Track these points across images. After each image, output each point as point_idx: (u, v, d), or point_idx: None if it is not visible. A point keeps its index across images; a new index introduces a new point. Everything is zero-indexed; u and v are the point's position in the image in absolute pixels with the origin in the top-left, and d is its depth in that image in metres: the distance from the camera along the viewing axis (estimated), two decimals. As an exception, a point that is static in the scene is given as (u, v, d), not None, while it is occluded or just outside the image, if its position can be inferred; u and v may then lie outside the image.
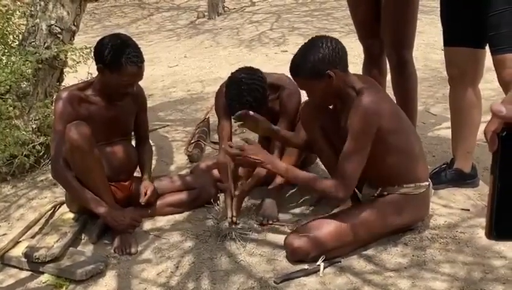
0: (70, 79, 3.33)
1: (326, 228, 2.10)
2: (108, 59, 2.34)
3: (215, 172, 2.71)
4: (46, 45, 3.24)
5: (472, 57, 2.45)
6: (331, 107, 2.21)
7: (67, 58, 3.33)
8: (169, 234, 2.46)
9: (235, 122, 2.48)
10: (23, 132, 3.07)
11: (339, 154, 2.08)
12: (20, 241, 2.43)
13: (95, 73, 2.50)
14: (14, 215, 2.80)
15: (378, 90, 2.18)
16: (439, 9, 2.55)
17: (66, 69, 3.44)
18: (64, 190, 2.56)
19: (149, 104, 3.04)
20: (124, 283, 2.15)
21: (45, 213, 2.67)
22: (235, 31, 7.82)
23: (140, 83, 2.52)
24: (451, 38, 2.50)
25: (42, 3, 3.26)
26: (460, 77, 2.51)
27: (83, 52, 3.34)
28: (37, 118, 3.22)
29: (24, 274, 2.29)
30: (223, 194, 2.59)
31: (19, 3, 4.25)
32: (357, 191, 2.39)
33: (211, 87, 4.76)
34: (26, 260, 2.27)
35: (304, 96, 2.30)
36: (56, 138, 2.41)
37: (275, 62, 5.52)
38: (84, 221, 2.55)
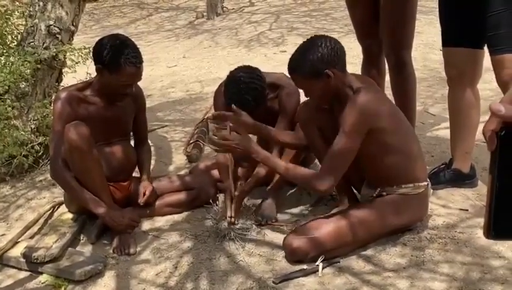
0: (69, 79, 3.33)
1: (325, 229, 2.10)
2: (107, 60, 2.34)
3: (215, 172, 2.71)
4: (44, 45, 3.24)
5: (471, 57, 2.45)
6: (326, 107, 2.20)
7: (66, 58, 3.33)
8: (168, 234, 2.46)
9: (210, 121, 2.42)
10: (22, 132, 3.07)
11: None
12: (19, 241, 2.43)
13: (94, 73, 2.50)
14: (13, 215, 2.80)
15: (376, 91, 2.18)
16: (437, 9, 2.55)
17: (64, 70, 3.44)
18: (63, 190, 2.56)
19: (148, 104, 3.04)
20: (123, 283, 2.15)
21: (44, 213, 2.67)
22: (234, 31, 7.82)
23: (139, 83, 2.52)
24: (450, 38, 2.51)
25: (41, 3, 3.26)
26: (458, 77, 2.51)
27: (82, 53, 3.34)
28: (36, 118, 3.22)
29: (23, 274, 2.28)
30: (222, 194, 2.59)
31: (17, 3, 4.25)
32: (355, 191, 2.40)
33: (209, 88, 4.76)
34: (25, 260, 2.27)
35: (303, 96, 2.30)
36: (55, 138, 2.41)
37: (274, 62, 5.52)
38: (83, 221, 2.55)
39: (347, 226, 2.10)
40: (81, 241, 2.48)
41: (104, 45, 2.37)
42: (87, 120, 2.38)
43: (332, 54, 2.03)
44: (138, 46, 2.45)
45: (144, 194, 2.51)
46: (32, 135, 3.17)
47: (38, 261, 2.22)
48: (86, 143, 2.30)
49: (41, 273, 2.24)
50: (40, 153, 3.19)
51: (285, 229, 2.37)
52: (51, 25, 3.24)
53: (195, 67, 5.97)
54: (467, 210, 2.40)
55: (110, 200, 2.43)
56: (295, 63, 2.08)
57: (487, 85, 3.29)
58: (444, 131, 3.19)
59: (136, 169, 2.68)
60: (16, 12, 3.52)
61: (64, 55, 3.29)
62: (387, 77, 2.97)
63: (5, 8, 3.55)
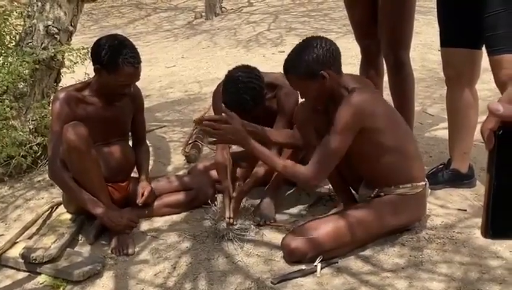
0: (68, 80, 3.32)
1: (324, 229, 2.10)
2: (105, 60, 2.34)
3: (213, 173, 2.71)
4: (43, 45, 3.23)
5: (469, 57, 2.46)
6: (320, 108, 2.19)
7: (64, 58, 3.33)
8: (166, 234, 2.46)
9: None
10: (20, 133, 3.07)
11: None
12: (17, 242, 2.42)
13: (92, 74, 2.50)
14: (11, 216, 2.79)
15: (371, 91, 2.18)
16: (436, 10, 2.56)
17: (63, 70, 3.44)
18: (61, 190, 2.56)
19: (146, 104, 3.04)
20: (121, 283, 2.15)
21: (42, 214, 2.67)
22: (233, 32, 7.82)
23: (137, 83, 2.52)
24: (448, 39, 2.51)
25: (39, 3, 3.26)
26: (457, 78, 2.51)
27: (80, 53, 3.34)
28: (34, 118, 3.21)
29: (21, 275, 2.28)
30: (220, 194, 2.59)
31: (16, 3, 4.25)
32: (353, 191, 2.40)
33: (208, 88, 4.76)
34: (23, 260, 2.27)
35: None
36: (53, 139, 2.41)
37: (272, 62, 5.51)
38: (82, 222, 2.55)
39: (345, 226, 2.10)
40: (80, 241, 2.47)
41: (102, 45, 2.37)
42: (86, 120, 2.38)
43: (327, 55, 2.03)
44: (136, 47, 2.45)
45: (143, 194, 2.50)
46: (31, 136, 3.17)
47: (36, 261, 2.22)
48: (84, 143, 2.29)
49: (40, 273, 2.24)
50: (39, 154, 3.19)
51: (284, 229, 2.37)
52: (49, 25, 3.23)
53: (194, 67, 5.97)
54: (465, 210, 2.40)
55: (109, 200, 2.43)
56: (290, 64, 2.08)
57: (485, 85, 3.29)
58: (442, 131, 3.19)
59: (135, 169, 2.68)
60: (14, 13, 3.51)
61: (63, 56, 3.29)
62: (386, 77, 2.97)
63: (3, 9, 3.54)
